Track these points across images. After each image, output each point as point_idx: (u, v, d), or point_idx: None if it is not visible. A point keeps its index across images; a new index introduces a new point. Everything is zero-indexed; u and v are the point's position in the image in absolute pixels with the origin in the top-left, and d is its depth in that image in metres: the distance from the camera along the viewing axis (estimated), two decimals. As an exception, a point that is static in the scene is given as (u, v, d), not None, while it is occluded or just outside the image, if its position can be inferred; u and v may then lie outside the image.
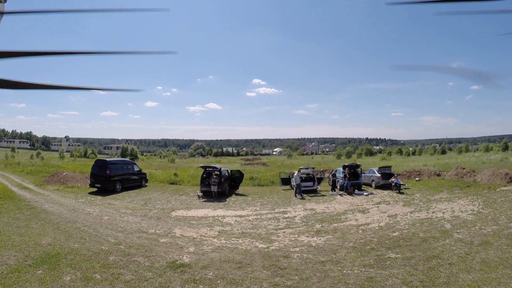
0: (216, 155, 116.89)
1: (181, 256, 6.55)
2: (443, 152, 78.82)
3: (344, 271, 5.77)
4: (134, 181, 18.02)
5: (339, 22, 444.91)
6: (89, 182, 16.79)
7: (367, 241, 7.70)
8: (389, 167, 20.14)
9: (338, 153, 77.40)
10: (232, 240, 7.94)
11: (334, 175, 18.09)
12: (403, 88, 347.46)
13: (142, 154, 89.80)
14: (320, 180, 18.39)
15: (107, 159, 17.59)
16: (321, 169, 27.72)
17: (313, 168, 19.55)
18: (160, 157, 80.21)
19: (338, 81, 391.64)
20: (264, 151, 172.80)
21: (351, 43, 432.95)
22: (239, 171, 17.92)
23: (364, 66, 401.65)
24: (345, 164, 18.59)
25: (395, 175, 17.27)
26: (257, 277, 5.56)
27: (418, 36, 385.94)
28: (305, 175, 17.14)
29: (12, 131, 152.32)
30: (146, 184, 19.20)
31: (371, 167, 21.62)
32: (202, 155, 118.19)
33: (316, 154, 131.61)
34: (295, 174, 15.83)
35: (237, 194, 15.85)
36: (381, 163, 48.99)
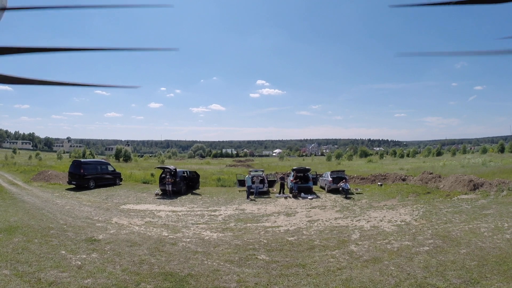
0: (215, 156, 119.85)
1: (98, 235, 8.62)
2: (439, 153, 78.97)
3: (205, 262, 6.47)
4: (108, 179, 20.95)
5: (342, 24, 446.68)
6: (67, 180, 19.89)
7: (256, 241, 8.08)
8: (342, 171, 20.37)
9: (329, 155, 79.23)
10: (149, 229, 9.43)
11: (282, 178, 19.68)
12: (406, 88, 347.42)
13: (142, 156, 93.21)
14: (272, 182, 19.81)
15: (81, 160, 20.75)
16: (284, 172, 29.95)
17: (262, 171, 20.83)
18: (158, 158, 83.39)
19: (341, 82, 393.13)
20: (264, 152, 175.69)
21: (354, 44, 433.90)
22: (195, 172, 20.70)
23: (367, 67, 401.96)
24: (294, 167, 19.90)
25: (345, 180, 17.18)
26: (136, 253, 7.01)
27: (420, 38, 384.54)
28: (259, 178, 17.96)
29: (15, 132, 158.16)
30: (121, 182, 22.00)
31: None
32: (202, 156, 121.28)
33: (315, 155, 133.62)
34: (247, 176, 17.08)
35: (193, 194, 17.45)
36: (366, 165, 50.31)
